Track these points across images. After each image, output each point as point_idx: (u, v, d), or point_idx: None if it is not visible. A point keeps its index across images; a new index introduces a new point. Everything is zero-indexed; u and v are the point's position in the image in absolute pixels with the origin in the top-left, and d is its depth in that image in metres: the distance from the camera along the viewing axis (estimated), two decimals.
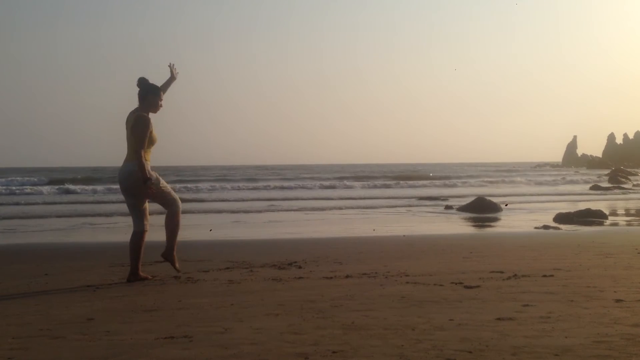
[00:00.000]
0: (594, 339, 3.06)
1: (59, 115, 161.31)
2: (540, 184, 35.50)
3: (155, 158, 5.53)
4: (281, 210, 17.34)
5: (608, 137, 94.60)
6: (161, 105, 5.56)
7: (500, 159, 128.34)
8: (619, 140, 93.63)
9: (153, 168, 5.46)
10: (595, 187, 28.59)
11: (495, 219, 13.76)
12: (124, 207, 5.97)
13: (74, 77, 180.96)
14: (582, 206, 14.90)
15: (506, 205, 16.53)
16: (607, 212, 13.93)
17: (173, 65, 5.81)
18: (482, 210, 15.37)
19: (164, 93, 5.72)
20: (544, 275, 5.16)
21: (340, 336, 3.22)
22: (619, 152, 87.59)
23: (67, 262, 6.99)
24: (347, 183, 34.61)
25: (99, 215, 15.62)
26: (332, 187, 31.90)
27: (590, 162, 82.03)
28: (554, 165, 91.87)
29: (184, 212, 5.76)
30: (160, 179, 5.46)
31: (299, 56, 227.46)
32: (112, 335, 3.38)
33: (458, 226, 12.50)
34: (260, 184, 34.98)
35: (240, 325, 3.53)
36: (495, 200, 16.77)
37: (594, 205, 15.00)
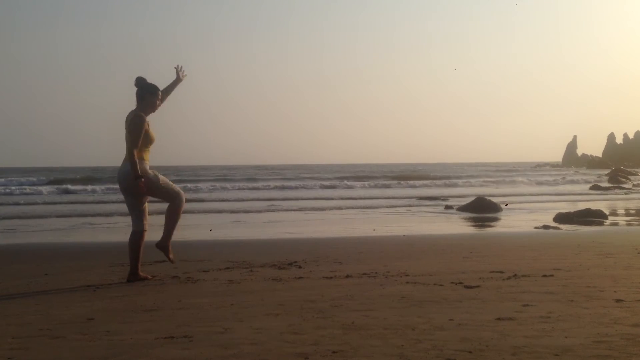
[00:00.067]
0: (594, 339, 3.06)
1: (59, 115, 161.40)
2: (540, 184, 35.49)
3: (155, 158, 5.54)
4: (281, 210, 17.34)
5: (608, 137, 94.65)
6: (159, 105, 5.56)
7: (500, 159, 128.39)
8: (619, 140, 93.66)
9: (152, 167, 5.46)
10: (595, 187, 28.59)
11: (495, 219, 13.76)
12: (123, 207, 5.97)
13: (74, 77, 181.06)
14: (582, 206, 14.90)
15: (506, 205, 16.53)
16: (607, 212, 13.93)
17: (181, 67, 5.82)
18: (482, 210, 15.37)
19: (168, 95, 5.73)
20: (544, 275, 5.16)
21: (340, 336, 3.22)
22: (619, 152, 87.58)
23: (67, 262, 6.99)
24: (347, 183, 34.60)
25: (99, 215, 15.63)
26: (332, 187, 31.89)
27: (590, 162, 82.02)
28: (554, 165, 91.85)
29: (184, 212, 5.76)
30: (160, 176, 5.47)
31: (299, 56, 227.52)
32: (112, 335, 3.38)
33: (458, 226, 12.50)
34: (260, 184, 34.95)
35: (240, 325, 3.53)
36: (495, 200, 16.77)
37: (594, 205, 15.00)
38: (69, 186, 29.13)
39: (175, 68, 5.81)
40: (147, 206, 5.56)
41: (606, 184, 31.76)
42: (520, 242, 8.49)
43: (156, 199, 5.58)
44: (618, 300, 4.02)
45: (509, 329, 3.30)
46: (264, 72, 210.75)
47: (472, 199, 16.76)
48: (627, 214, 15.74)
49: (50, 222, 13.75)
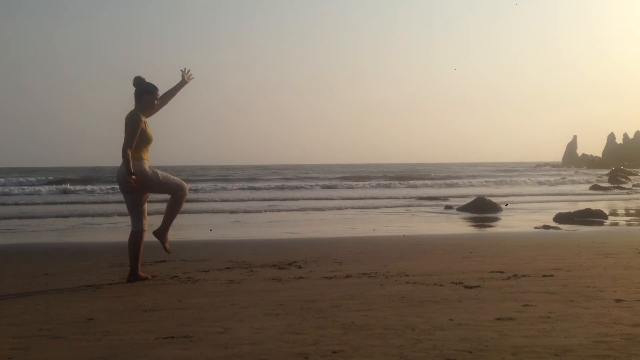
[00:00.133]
0: (594, 339, 3.06)
1: (59, 115, 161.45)
2: (540, 184, 35.48)
3: (155, 158, 5.55)
4: (281, 210, 17.33)
5: (608, 137, 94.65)
6: (157, 104, 5.55)
7: (500, 159, 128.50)
8: (619, 140, 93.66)
9: (152, 166, 5.46)
10: (595, 187, 28.58)
11: (495, 219, 13.76)
12: (123, 207, 5.97)
13: (74, 77, 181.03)
14: (582, 206, 14.90)
15: (506, 205, 16.53)
16: (607, 212, 13.93)
17: (187, 70, 5.82)
18: (482, 210, 15.37)
19: (172, 96, 5.73)
20: (544, 275, 5.16)
21: (340, 336, 3.22)
22: (619, 152, 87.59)
23: (67, 262, 6.98)
24: (347, 183, 34.61)
25: (99, 215, 15.62)
26: (332, 187, 31.88)
27: (590, 162, 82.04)
28: (554, 165, 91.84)
29: (185, 212, 5.76)
30: (159, 172, 5.47)
31: (299, 56, 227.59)
32: (112, 335, 3.38)
33: (458, 226, 12.50)
34: (260, 184, 34.97)
35: (240, 325, 3.53)
36: (495, 200, 16.77)
37: (594, 205, 15.00)
38: (69, 186, 29.13)
39: (181, 71, 5.81)
40: (147, 206, 5.57)
41: (606, 184, 31.76)
42: (521, 242, 8.49)
43: (156, 199, 5.58)
44: (618, 300, 4.02)
45: (509, 329, 3.30)
46: (264, 72, 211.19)
47: (472, 199, 16.76)
48: (627, 214, 15.74)
49: (50, 222, 13.75)
